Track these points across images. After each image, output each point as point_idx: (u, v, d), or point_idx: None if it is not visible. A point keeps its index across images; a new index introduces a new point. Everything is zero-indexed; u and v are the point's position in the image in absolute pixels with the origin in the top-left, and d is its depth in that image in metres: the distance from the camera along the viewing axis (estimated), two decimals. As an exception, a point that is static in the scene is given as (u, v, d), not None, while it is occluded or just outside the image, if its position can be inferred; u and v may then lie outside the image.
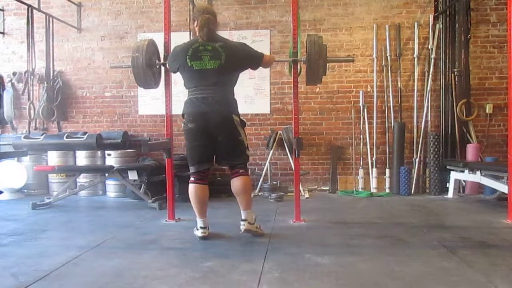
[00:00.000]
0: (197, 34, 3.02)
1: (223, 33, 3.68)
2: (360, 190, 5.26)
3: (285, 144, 5.27)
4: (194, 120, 2.96)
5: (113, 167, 4.62)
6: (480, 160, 5.03)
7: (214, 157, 3.07)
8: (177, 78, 5.15)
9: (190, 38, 4.70)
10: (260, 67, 3.24)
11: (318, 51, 3.25)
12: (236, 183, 3.00)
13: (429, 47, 5.32)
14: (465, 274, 2.23)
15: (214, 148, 3.01)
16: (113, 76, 5.74)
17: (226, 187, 4.95)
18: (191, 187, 3.04)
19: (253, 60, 3.12)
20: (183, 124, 3.06)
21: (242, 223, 3.01)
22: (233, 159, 3.02)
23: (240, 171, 3.01)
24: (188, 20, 4.84)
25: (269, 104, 5.54)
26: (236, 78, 3.12)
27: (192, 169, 3.06)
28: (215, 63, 2.92)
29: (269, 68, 5.04)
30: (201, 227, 3.03)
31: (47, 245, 2.89)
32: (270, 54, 5.10)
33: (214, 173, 5.27)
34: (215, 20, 3.05)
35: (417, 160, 5.26)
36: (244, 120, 3.16)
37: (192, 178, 3.06)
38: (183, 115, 3.06)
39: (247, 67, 3.15)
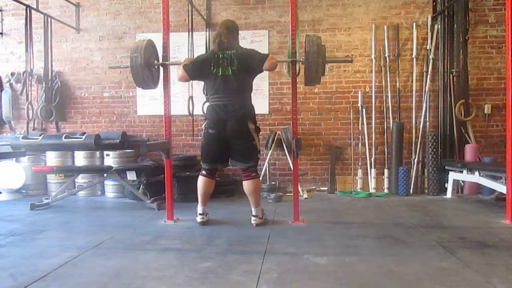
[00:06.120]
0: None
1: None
2: (358, 190, 5.26)
3: (283, 145, 5.28)
4: (215, 127, 3.33)
5: (112, 167, 4.61)
6: (478, 160, 5.03)
7: (228, 158, 3.44)
8: (176, 78, 5.13)
9: (188, 39, 4.75)
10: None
11: (317, 51, 3.26)
12: (248, 185, 3.39)
13: (428, 48, 5.32)
14: (464, 274, 2.23)
15: (229, 151, 3.38)
16: (111, 76, 5.74)
17: (224, 187, 5.00)
18: (200, 179, 3.47)
19: (255, 60, 3.26)
20: (203, 127, 3.43)
21: (253, 218, 3.42)
22: (246, 161, 3.37)
23: (252, 174, 3.38)
24: (187, 20, 4.83)
25: (267, 105, 5.53)
26: (251, 83, 3.43)
27: (204, 166, 3.47)
28: (231, 69, 3.27)
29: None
30: (200, 214, 3.46)
31: (45, 246, 2.89)
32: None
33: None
34: (229, 33, 3.36)
35: (415, 160, 5.26)
36: (259, 127, 3.51)
37: (203, 172, 3.48)
38: (205, 119, 3.46)
39: (253, 68, 3.29)
